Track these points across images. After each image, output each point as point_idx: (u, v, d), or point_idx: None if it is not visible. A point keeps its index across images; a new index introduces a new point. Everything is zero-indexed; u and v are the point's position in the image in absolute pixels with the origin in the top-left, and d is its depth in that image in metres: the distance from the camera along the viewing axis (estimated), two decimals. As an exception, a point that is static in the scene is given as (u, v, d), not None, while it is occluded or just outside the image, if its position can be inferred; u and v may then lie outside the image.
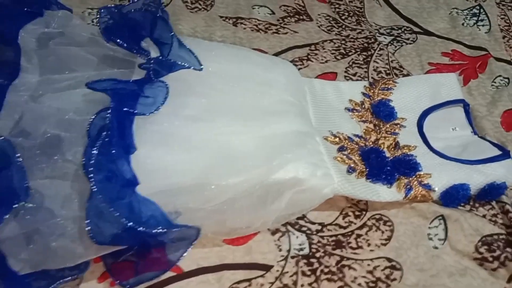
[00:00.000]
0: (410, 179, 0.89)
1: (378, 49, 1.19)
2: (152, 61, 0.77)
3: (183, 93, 0.78)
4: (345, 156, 0.90)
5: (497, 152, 0.97)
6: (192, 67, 0.80)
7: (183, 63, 0.79)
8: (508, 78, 1.17)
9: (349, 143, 0.93)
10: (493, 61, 1.21)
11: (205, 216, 0.71)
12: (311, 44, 1.17)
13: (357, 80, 1.11)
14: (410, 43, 1.22)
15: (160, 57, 0.78)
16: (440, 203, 0.91)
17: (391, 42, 1.21)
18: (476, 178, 0.91)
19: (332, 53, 1.16)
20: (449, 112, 1.06)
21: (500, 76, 1.17)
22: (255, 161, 0.76)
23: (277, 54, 1.12)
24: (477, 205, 0.93)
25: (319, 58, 1.15)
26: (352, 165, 0.89)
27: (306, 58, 1.14)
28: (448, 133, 1.03)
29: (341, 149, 0.91)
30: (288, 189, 0.77)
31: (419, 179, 0.89)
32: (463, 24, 1.29)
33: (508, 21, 1.29)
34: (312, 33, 1.20)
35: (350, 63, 1.15)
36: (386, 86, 1.05)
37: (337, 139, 0.92)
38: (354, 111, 1.00)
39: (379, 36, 1.21)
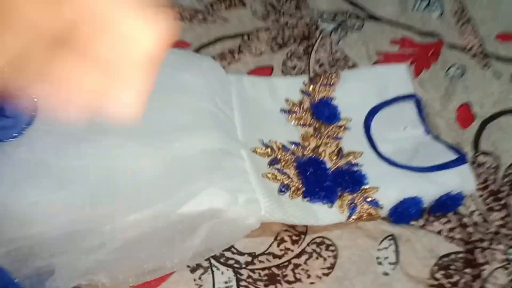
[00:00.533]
0: (355, 195, 0.77)
1: (320, 37, 1.04)
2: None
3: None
4: (277, 172, 0.77)
5: (452, 156, 0.85)
6: None
7: None
8: (463, 67, 1.05)
9: (283, 154, 0.80)
10: (447, 49, 1.08)
11: (97, 266, 0.55)
12: (243, 33, 1.03)
13: (296, 74, 0.97)
14: (356, 30, 1.08)
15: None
16: (389, 220, 0.79)
17: (335, 29, 1.07)
18: (429, 190, 0.79)
19: (268, 44, 1.01)
20: (399, 109, 0.93)
21: (454, 65, 1.05)
22: (158, 192, 0.62)
23: (203, 47, 0.96)
24: (431, 219, 0.81)
25: (253, 50, 1.00)
26: (286, 182, 0.76)
27: (237, 50, 0.99)
28: (399, 133, 0.90)
29: (273, 162, 0.78)
30: (203, 223, 0.64)
31: (365, 195, 0.77)
32: (413, 8, 1.15)
33: (461, 3, 1.15)
34: (246, 21, 1.04)
35: (289, 55, 1.01)
36: (328, 81, 0.92)
37: (268, 150, 0.79)
38: (291, 113, 0.87)
39: (321, 23, 1.07)
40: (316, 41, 1.04)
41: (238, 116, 0.80)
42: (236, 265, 0.73)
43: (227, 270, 0.72)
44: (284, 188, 0.75)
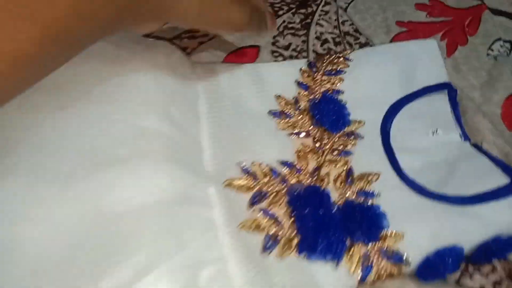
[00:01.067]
0: (369, 247, 0.52)
1: (323, 3, 0.77)
2: None
3: None
4: (261, 215, 0.52)
5: (500, 177, 0.59)
6: None
7: None
8: (511, 42, 0.78)
9: (271, 183, 0.55)
10: (489, 16, 0.81)
11: None
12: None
13: (291, 57, 0.70)
14: (370, -9, 0.79)
15: None
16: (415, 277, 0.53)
17: (342, -9, 0.78)
18: (473, 231, 0.54)
19: (253, 14, 0.71)
20: (426, 104, 0.67)
21: (499, 39, 0.78)
22: (69, 276, 0.39)
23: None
24: (470, 269, 0.56)
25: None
26: (273, 231, 0.52)
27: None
28: (425, 139, 0.64)
29: (255, 200, 0.53)
30: None
31: (383, 246, 0.52)
32: (445, -40, 0.86)
33: None
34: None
35: (281, 29, 0.74)
36: (334, 67, 0.66)
37: (249, 180, 0.54)
38: (283, 115, 0.61)
39: (324, -16, 0.78)
40: (317, 8, 0.77)
41: (208, 129, 0.56)
42: None
43: None
44: (270, 243, 0.51)
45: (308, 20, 0.76)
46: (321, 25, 0.76)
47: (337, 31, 0.76)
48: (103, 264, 0.41)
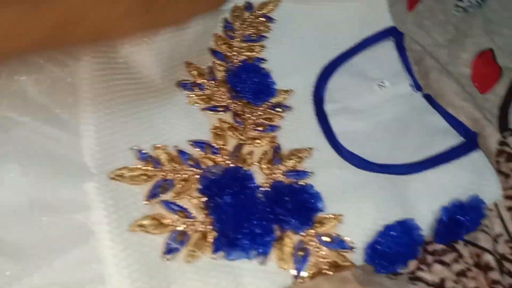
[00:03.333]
0: (303, 233, 0.45)
1: None
2: None
3: None
4: (163, 208, 0.43)
5: (454, 136, 0.55)
6: None
7: None
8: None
9: (178, 168, 0.45)
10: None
11: None
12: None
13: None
14: None
15: None
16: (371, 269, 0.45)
17: None
18: (426, 201, 0.49)
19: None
20: (369, 55, 0.61)
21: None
22: None
23: None
24: (429, 258, 0.46)
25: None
26: (181, 228, 0.43)
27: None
28: (371, 95, 0.58)
29: (155, 192, 0.44)
30: None
31: (320, 232, 0.45)
32: None
33: None
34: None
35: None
36: (254, 31, 0.58)
37: (148, 168, 0.44)
38: (195, 88, 0.52)
39: None
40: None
41: (89, 108, 0.46)
42: None
43: None
44: (175, 244, 0.41)
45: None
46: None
47: None
48: None
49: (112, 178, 0.43)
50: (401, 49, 0.62)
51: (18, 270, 0.36)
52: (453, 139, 0.55)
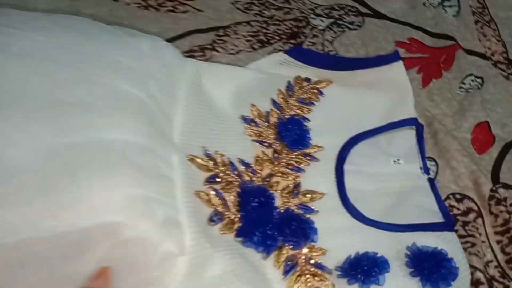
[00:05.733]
0: (296, 252, 0.56)
1: (311, 36, 0.83)
2: None
3: None
4: (213, 193, 0.55)
5: (438, 215, 0.65)
6: None
7: None
8: (482, 78, 0.83)
9: (227, 172, 0.58)
10: (463, 54, 0.86)
11: None
12: (219, 27, 0.81)
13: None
14: (354, 29, 0.86)
15: None
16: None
17: (330, 26, 0.85)
18: (396, 249, 0.59)
19: (248, 41, 0.80)
20: (391, 134, 0.71)
21: (471, 75, 0.84)
22: (31, 187, 0.40)
23: (169, 41, 0.74)
24: None
25: (229, 47, 0.78)
26: (221, 209, 0.55)
27: (210, 47, 0.78)
28: (385, 166, 0.69)
29: (211, 180, 0.56)
30: (97, 244, 0.41)
31: (308, 255, 0.56)
32: (424, 4, 0.93)
33: (482, 1, 0.90)
34: (223, 12, 0.83)
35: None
36: (307, 96, 0.70)
37: (210, 163, 0.57)
38: (252, 124, 0.64)
39: (313, 18, 0.85)
40: (305, 39, 0.82)
41: (182, 111, 0.58)
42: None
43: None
44: (216, 218, 0.54)
45: (297, 49, 0.81)
46: (309, 55, 0.80)
47: None
48: (63, 181, 0.42)
49: (188, 159, 0.55)
50: (419, 138, 0.71)
51: (114, 182, 0.44)
52: (437, 219, 0.63)
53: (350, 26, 0.85)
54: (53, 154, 0.42)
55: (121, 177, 0.44)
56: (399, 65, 0.73)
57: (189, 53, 0.75)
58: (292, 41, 0.80)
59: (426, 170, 0.68)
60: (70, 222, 0.40)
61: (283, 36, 0.81)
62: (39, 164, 0.41)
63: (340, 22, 0.86)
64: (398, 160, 0.69)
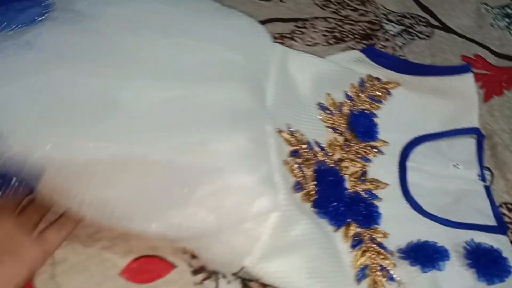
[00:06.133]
0: (363, 230, 0.60)
1: (383, 39, 0.87)
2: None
3: (72, 25, 0.49)
4: (296, 166, 0.59)
5: (490, 220, 0.68)
6: None
7: None
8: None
9: (306, 150, 0.62)
10: (524, 76, 0.86)
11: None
12: (298, 19, 0.86)
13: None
14: (424, 38, 0.90)
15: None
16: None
17: (401, 33, 0.90)
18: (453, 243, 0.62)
19: (324, 35, 0.85)
20: (455, 140, 0.75)
21: (531, 96, 0.83)
22: (162, 131, 0.46)
23: None
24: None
25: (306, 38, 0.84)
26: (301, 181, 0.59)
27: (289, 36, 0.83)
28: (444, 169, 0.72)
29: (295, 154, 0.60)
30: (206, 183, 0.46)
31: (373, 234, 0.60)
32: (492, 24, 0.96)
33: None
34: (302, 6, 0.88)
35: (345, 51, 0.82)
36: (376, 94, 0.74)
37: (293, 139, 0.61)
38: (327, 111, 0.69)
39: (386, 23, 0.90)
40: (377, 42, 0.86)
41: (273, 90, 0.62)
42: (246, 276, 0.57)
43: (235, 279, 0.57)
44: (298, 187, 0.58)
45: (368, 51, 0.85)
46: (379, 57, 0.85)
47: None
48: (186, 129, 0.47)
49: (277, 131, 0.59)
50: (479, 147, 0.74)
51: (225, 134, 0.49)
52: (491, 223, 0.66)
53: (419, 35, 0.89)
54: (179, 105, 0.48)
55: (233, 131, 0.49)
56: (469, 77, 0.75)
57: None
58: (365, 41, 0.84)
59: (483, 178, 0.71)
60: (189, 161, 0.45)
61: (357, 36, 0.85)
62: (165, 111, 0.47)
63: (411, 30, 0.89)
64: (458, 164, 0.71)
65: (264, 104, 0.59)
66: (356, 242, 0.59)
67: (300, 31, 0.83)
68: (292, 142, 0.61)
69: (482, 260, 0.59)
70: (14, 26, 0.47)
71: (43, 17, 0.48)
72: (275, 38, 0.79)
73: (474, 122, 0.74)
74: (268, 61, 0.63)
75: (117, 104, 0.45)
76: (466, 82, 0.75)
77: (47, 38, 0.47)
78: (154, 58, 0.50)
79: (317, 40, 0.82)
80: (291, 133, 0.61)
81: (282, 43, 0.79)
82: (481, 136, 0.74)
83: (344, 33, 0.85)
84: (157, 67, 0.50)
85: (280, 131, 0.59)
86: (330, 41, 0.83)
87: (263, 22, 0.79)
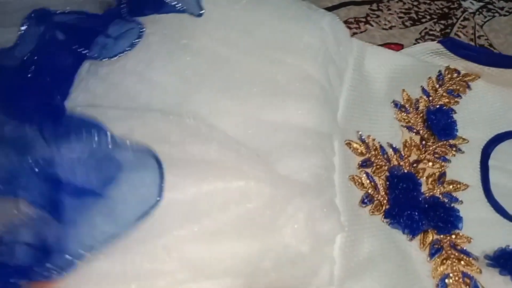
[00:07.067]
0: (442, 236, 0.58)
1: (462, 18, 0.84)
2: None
3: (162, 43, 0.52)
4: (365, 176, 0.59)
5: None
6: (189, 11, 0.53)
7: (176, 3, 0.53)
8: None
9: (378, 157, 0.61)
10: None
11: None
12: (372, 1, 0.84)
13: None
14: (505, 14, 0.86)
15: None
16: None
17: (480, 10, 0.86)
18: None
19: (400, 17, 0.83)
20: None
21: None
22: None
23: (327, 10, 0.78)
24: None
25: (382, 22, 0.82)
26: (371, 192, 0.59)
27: (364, 20, 0.82)
28: None
29: (364, 164, 0.60)
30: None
31: (454, 240, 0.58)
32: None
33: None
34: (378, -13, 0.83)
35: (423, 34, 0.82)
36: (455, 88, 0.70)
37: (363, 148, 0.61)
38: (403, 109, 0.66)
39: (464, 0, 0.86)
40: (456, 21, 0.84)
41: (346, 94, 0.63)
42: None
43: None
44: (367, 200, 0.58)
45: (448, 30, 0.82)
46: (459, 36, 0.82)
47: (472, 43, 0.81)
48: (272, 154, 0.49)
49: (345, 144, 0.59)
50: None
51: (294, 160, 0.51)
52: None
53: (500, 11, 0.85)
54: (254, 127, 0.50)
55: (306, 156, 0.51)
56: None
57: (345, 24, 0.77)
58: (443, 21, 0.82)
59: None
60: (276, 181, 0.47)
61: (434, 16, 0.82)
62: (242, 133, 0.49)
63: (491, 6, 0.85)
64: None
65: (336, 117, 0.59)
66: (435, 250, 0.57)
67: (375, 14, 0.82)
68: (362, 151, 0.61)
69: None
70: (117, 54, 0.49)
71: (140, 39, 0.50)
72: (350, 23, 0.78)
73: None
74: (346, 66, 0.64)
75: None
76: None
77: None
78: (240, 76, 0.53)
79: (393, 23, 0.81)
80: (362, 141, 0.61)
81: (357, 28, 0.78)
82: None
83: (421, 13, 0.82)
84: (240, 86, 0.52)
85: (349, 143, 0.60)
86: (407, 23, 0.81)
87: (337, 7, 0.78)
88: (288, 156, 0.50)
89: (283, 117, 0.52)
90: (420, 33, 0.80)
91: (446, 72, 0.70)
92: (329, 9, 0.80)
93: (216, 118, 0.49)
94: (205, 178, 0.42)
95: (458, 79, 0.71)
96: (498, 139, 0.67)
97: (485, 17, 0.83)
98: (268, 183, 0.45)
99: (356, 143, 0.61)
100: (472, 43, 0.80)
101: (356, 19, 0.79)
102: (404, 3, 0.82)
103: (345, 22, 0.79)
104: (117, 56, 0.49)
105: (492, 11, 0.84)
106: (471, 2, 0.84)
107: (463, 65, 0.72)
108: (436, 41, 0.74)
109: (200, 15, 0.53)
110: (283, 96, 0.53)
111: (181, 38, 0.52)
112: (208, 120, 0.48)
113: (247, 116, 0.51)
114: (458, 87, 0.70)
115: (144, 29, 0.50)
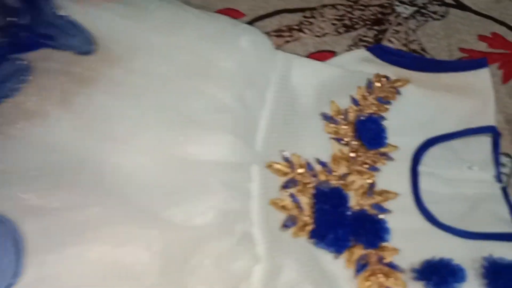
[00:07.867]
0: (369, 251, 0.56)
1: (395, 23, 0.83)
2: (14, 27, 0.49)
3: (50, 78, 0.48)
4: (288, 198, 0.57)
5: (510, 227, 0.62)
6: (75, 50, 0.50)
7: (55, 40, 0.50)
8: None
9: (304, 175, 0.59)
10: (545, 54, 0.81)
11: None
12: (306, 8, 0.82)
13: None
14: (438, 19, 0.85)
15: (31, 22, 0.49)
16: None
17: (414, 14, 0.85)
18: (470, 256, 0.57)
19: (333, 24, 0.82)
20: (467, 140, 0.69)
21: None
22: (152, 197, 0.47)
23: (258, 19, 0.78)
24: None
25: (315, 29, 0.81)
26: (295, 213, 0.56)
27: (297, 28, 0.80)
28: (459, 172, 0.66)
29: (287, 186, 0.58)
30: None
31: (380, 254, 0.56)
32: (511, -2, 0.87)
33: None
34: (311, -6, 0.81)
35: (356, 40, 0.80)
36: (385, 95, 0.68)
37: (287, 169, 0.59)
38: (331, 121, 0.64)
39: (398, 6, 0.85)
40: (390, 26, 0.83)
41: (269, 114, 0.61)
42: None
43: None
44: (289, 223, 0.56)
45: (380, 36, 0.82)
46: (391, 42, 0.81)
47: (405, 49, 0.80)
48: (175, 196, 0.48)
49: (267, 167, 0.57)
50: (495, 146, 0.68)
51: (205, 200, 0.50)
52: (509, 229, 0.61)
53: (433, 15, 0.84)
54: (166, 166, 0.48)
55: (210, 196, 0.49)
56: (485, 72, 0.71)
57: (278, 33, 0.77)
58: (376, 27, 0.80)
59: (499, 179, 0.66)
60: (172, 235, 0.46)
61: (368, 22, 0.81)
62: (157, 174, 0.47)
63: (424, 11, 0.85)
64: (472, 166, 0.67)
65: (254, 142, 0.58)
66: (360, 267, 0.55)
67: (308, 21, 0.80)
68: (286, 171, 0.58)
69: (501, 281, 0.55)
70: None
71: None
72: (282, 31, 0.77)
73: (490, 120, 0.69)
74: (267, 84, 0.62)
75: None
76: (482, 78, 0.71)
77: None
78: (150, 108, 0.51)
79: (326, 30, 0.80)
80: (286, 160, 0.59)
81: (290, 36, 0.77)
82: (497, 135, 0.68)
83: (354, 20, 0.81)
84: (150, 122, 0.50)
85: (270, 165, 0.58)
86: (340, 30, 0.80)
87: (270, 15, 0.77)
88: (193, 197, 0.49)
89: (195, 152, 0.51)
90: (353, 40, 0.79)
91: (375, 80, 0.69)
92: (263, 17, 0.78)
93: (125, 158, 0.47)
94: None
95: (388, 85, 0.69)
96: (429, 144, 0.66)
97: (418, 21, 0.82)
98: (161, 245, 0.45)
99: (279, 164, 0.58)
100: (405, 48, 0.79)
101: (289, 27, 0.78)
102: (338, 10, 0.80)
103: (278, 30, 0.78)
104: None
105: (426, 15, 0.83)
106: (404, 7, 0.82)
107: (393, 71, 0.71)
108: (364, 49, 0.73)
109: (89, 52, 0.50)
110: (197, 129, 0.52)
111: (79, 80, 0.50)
112: (113, 164, 0.47)
113: (160, 153, 0.49)
114: (387, 94, 0.68)
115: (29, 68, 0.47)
